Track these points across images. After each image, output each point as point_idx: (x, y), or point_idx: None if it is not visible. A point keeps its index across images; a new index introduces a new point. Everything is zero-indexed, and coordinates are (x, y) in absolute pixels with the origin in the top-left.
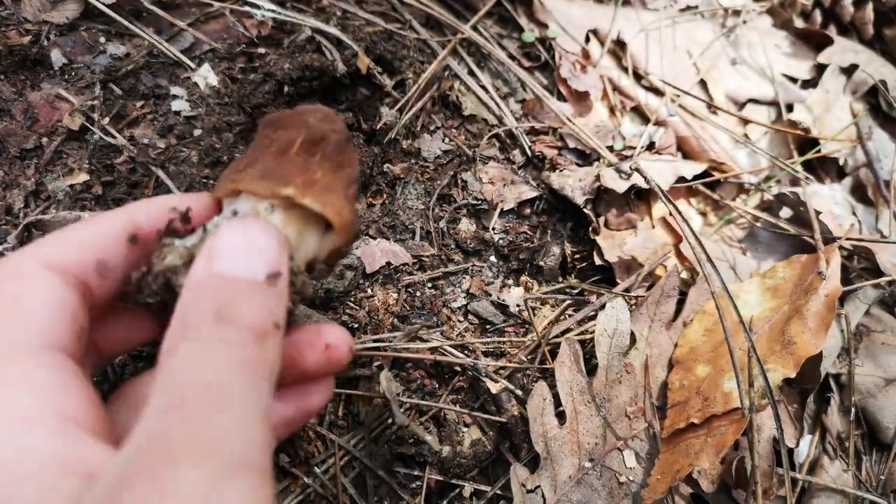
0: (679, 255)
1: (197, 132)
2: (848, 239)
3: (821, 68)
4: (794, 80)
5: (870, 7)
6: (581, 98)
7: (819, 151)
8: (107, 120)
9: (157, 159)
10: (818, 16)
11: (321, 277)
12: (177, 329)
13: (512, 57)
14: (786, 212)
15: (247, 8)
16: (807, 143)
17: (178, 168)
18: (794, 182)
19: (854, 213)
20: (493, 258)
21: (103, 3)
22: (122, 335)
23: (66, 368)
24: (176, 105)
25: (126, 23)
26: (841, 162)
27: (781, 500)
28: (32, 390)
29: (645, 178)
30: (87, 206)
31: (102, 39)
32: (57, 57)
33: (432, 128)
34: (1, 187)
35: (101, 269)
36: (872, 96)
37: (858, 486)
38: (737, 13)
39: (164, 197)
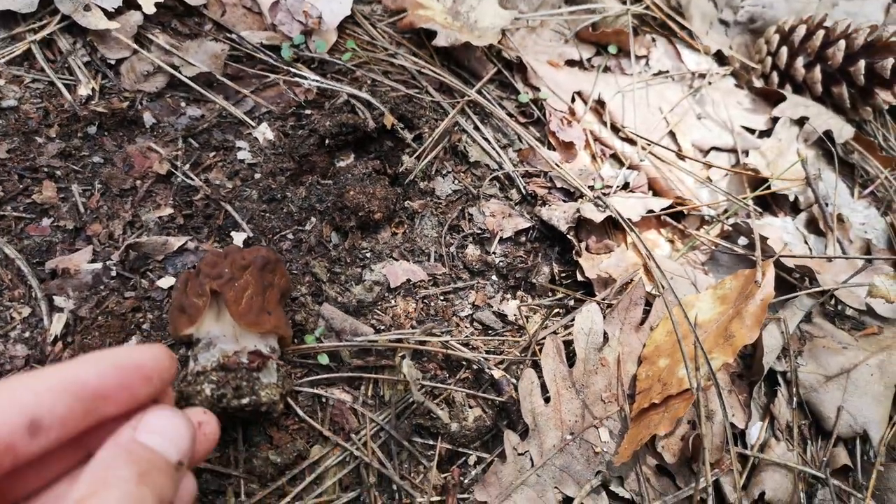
0: (647, 272)
1: (257, 176)
2: (783, 256)
3: (776, 121)
4: (752, 131)
5: (818, 69)
6: (567, 147)
7: (769, 188)
8: (187, 167)
9: (226, 197)
10: (775, 77)
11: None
12: (99, 479)
13: (510, 115)
14: (743, 240)
15: (296, 79)
16: (760, 183)
17: (243, 204)
18: (749, 215)
19: (806, 242)
20: (494, 277)
21: (185, 76)
22: (30, 483)
23: None
24: (240, 155)
25: (201, 90)
26: (792, 199)
27: (735, 474)
28: None
29: (617, 212)
30: (171, 232)
31: (183, 104)
32: (148, 118)
33: (444, 172)
34: (105, 218)
35: (33, 429)
36: (830, 143)
37: (803, 464)
38: (702, 76)
39: (112, 352)
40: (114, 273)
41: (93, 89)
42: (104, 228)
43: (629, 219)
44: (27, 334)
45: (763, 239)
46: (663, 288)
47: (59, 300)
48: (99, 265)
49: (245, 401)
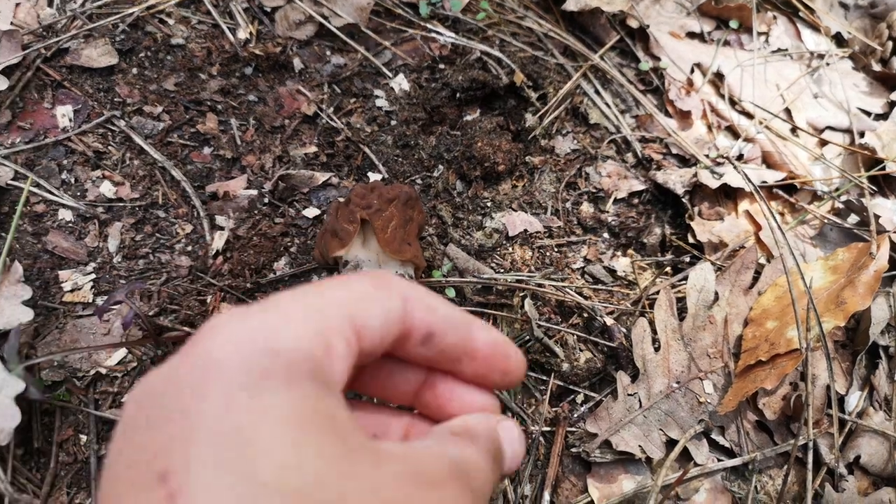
0: (758, 241)
1: (393, 123)
2: None
3: (893, 105)
4: (868, 113)
5: None
6: (684, 116)
7: (883, 168)
8: (331, 110)
9: (364, 140)
10: (894, 62)
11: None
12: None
13: (630, 81)
14: (853, 218)
15: (432, 34)
16: (875, 164)
17: (379, 147)
18: (861, 195)
19: None
20: (606, 234)
21: (333, 26)
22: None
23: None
24: (378, 103)
25: (346, 40)
26: None
27: (830, 436)
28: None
29: (744, 173)
30: (315, 168)
31: (328, 52)
32: (297, 63)
33: (564, 132)
34: (258, 151)
35: (426, 338)
36: None
37: None
38: (821, 56)
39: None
40: (266, 200)
41: (250, 33)
42: (257, 160)
43: (756, 184)
44: (190, 248)
45: (876, 217)
46: (772, 257)
47: (220, 220)
48: (254, 192)
49: None
